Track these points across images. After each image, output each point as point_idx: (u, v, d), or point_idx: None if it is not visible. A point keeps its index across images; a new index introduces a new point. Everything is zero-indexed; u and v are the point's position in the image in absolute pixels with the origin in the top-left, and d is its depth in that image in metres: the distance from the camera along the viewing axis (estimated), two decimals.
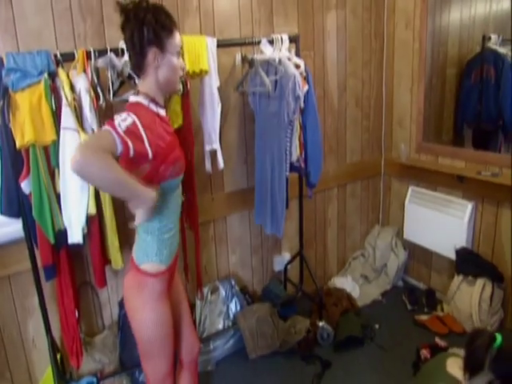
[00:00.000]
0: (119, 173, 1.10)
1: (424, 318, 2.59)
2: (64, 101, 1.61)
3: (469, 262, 2.46)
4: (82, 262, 2.11)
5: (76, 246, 1.79)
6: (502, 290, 2.38)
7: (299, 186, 2.43)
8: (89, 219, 1.76)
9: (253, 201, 2.44)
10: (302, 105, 2.04)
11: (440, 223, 2.60)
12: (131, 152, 1.13)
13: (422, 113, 2.67)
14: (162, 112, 1.34)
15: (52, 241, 1.73)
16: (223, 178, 2.40)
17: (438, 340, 2.31)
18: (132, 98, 1.31)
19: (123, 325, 2.18)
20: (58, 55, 1.66)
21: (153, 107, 1.30)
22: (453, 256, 2.54)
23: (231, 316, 2.45)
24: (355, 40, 2.66)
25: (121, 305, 2.24)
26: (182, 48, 1.34)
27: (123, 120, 1.14)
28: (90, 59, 1.69)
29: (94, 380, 2.07)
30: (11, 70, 1.57)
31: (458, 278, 2.51)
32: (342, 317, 2.52)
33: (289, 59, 2.04)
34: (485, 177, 2.32)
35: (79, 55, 1.67)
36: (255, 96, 2.23)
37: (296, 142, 2.17)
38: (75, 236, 1.73)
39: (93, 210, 1.73)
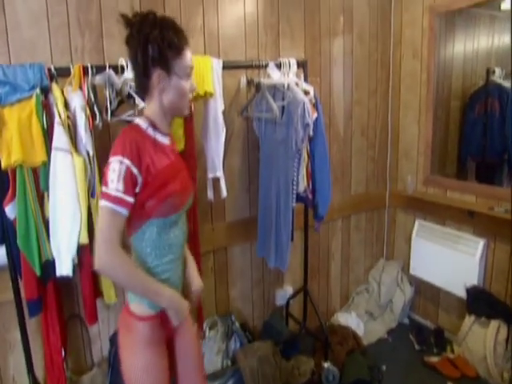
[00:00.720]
0: (132, 274, 1.11)
1: (434, 359, 2.42)
2: (57, 119, 1.48)
3: (481, 302, 2.33)
4: (72, 293, 1.93)
5: (65, 278, 1.62)
6: None
7: (304, 216, 2.31)
8: (80, 249, 1.59)
9: (255, 231, 2.30)
10: (311, 133, 1.95)
11: (449, 259, 2.48)
12: (131, 201, 1.09)
13: (429, 145, 2.61)
14: (162, 139, 1.21)
15: (38, 272, 1.57)
16: (224, 206, 2.27)
17: None
18: (135, 120, 1.20)
19: (114, 362, 2.01)
20: (53, 69, 1.55)
21: (150, 132, 1.18)
22: (463, 294, 2.41)
23: (230, 354, 2.28)
24: (362, 67, 2.62)
25: (112, 341, 2.06)
26: (192, 69, 1.20)
27: (116, 175, 1.06)
28: (87, 75, 1.58)
29: None
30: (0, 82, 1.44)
31: (469, 319, 2.36)
32: (348, 357, 2.37)
33: (297, 85, 1.96)
34: (497, 213, 2.23)
35: (75, 70, 1.56)
36: (260, 122, 2.13)
37: (303, 172, 2.06)
38: (64, 268, 1.57)
39: (85, 240, 1.57)
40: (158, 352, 1.23)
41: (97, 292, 1.78)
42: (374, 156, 2.80)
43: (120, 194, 1.06)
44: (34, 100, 1.46)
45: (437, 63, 2.56)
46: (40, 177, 1.52)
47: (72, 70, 1.56)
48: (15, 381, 1.89)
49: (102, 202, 1.07)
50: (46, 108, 1.50)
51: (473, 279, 2.37)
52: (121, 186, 1.06)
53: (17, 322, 1.71)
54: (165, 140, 1.22)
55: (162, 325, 1.24)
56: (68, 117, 1.50)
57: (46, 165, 1.50)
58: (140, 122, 1.19)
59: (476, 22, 2.61)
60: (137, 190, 1.10)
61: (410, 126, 2.74)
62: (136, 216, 1.14)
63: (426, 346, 2.57)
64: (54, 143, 1.47)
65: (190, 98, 1.23)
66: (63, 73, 1.57)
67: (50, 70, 1.54)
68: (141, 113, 1.54)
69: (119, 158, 1.06)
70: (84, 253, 1.63)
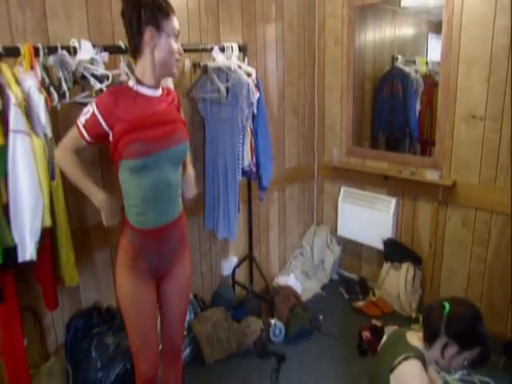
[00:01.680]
0: (72, 173, 1.42)
1: (360, 304, 2.87)
2: (13, 100, 1.45)
3: (394, 250, 2.81)
4: (23, 284, 1.87)
5: (19, 266, 1.61)
6: (420, 271, 2.76)
7: (248, 190, 2.52)
8: (42, 232, 1.59)
9: (201, 207, 2.45)
10: (255, 111, 2.14)
11: (369, 218, 2.92)
12: (88, 139, 1.37)
13: (350, 121, 2.99)
14: (149, 91, 1.39)
15: (0, 260, 1.53)
16: None
17: (374, 322, 2.59)
18: (130, 81, 1.41)
19: (71, 349, 2.03)
20: (0, 49, 1.50)
21: (134, 87, 1.37)
22: (381, 246, 2.87)
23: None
24: (291, 53, 2.87)
25: (68, 327, 2.05)
26: (179, 32, 1.38)
27: (84, 114, 1.36)
28: (38, 56, 1.57)
29: None
30: None
31: (386, 265, 2.84)
32: (291, 313, 2.66)
33: (240, 67, 2.13)
34: (404, 175, 2.69)
35: (25, 50, 1.53)
36: (206, 102, 2.27)
37: (247, 148, 2.25)
38: (28, 253, 1.55)
39: (48, 222, 1.58)
40: (141, 276, 1.46)
41: (56, 277, 1.78)
42: (303, 132, 3.11)
43: (81, 128, 1.36)
44: None
45: (354, 50, 2.91)
46: None
47: (21, 50, 1.53)
48: None
49: (74, 126, 1.38)
50: None
51: (388, 233, 2.83)
52: (84, 122, 1.35)
53: None
54: (152, 92, 1.40)
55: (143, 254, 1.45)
56: (24, 98, 1.49)
57: (4, 149, 1.46)
58: (130, 82, 1.40)
59: (382, 16, 3.02)
60: (106, 129, 1.34)
61: (333, 104, 3.09)
62: (115, 156, 1.38)
63: (353, 295, 3.00)
64: (12, 125, 1.45)
65: (178, 59, 1.39)
66: (11, 53, 1.53)
67: None
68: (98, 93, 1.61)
69: (94, 104, 1.34)
70: (44, 237, 1.62)
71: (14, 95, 1.45)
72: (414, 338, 1.47)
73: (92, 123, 1.34)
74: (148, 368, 1.54)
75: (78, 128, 1.36)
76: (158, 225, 1.44)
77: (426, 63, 2.85)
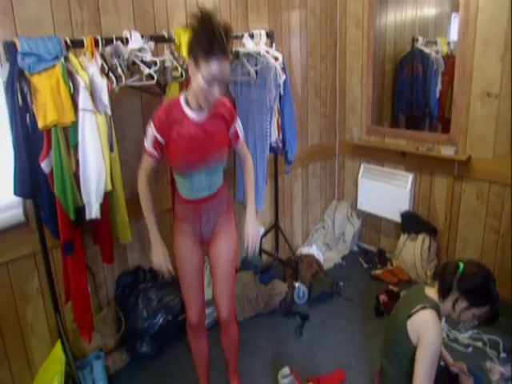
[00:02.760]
0: (144, 206, 1.70)
1: (378, 272, 3.09)
2: (82, 84, 1.72)
3: (411, 223, 3.00)
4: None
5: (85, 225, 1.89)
6: (436, 242, 2.95)
7: (275, 165, 2.77)
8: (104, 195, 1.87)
9: (233, 179, 2.71)
10: (282, 92, 2.37)
11: (387, 193, 3.11)
12: (156, 154, 1.62)
13: (370, 101, 3.17)
14: (192, 114, 1.55)
15: (72, 216, 1.79)
16: None
17: (391, 287, 2.81)
18: (181, 97, 1.58)
19: (121, 302, 2.34)
20: (68, 41, 1.76)
21: (183, 105, 1.56)
22: (398, 219, 3.07)
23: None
24: (314, 37, 3.06)
25: (118, 282, 2.37)
26: (214, 78, 1.42)
27: (146, 135, 1.59)
28: (97, 46, 1.84)
29: (102, 354, 2.15)
30: (26, 54, 1.63)
31: (403, 237, 3.04)
32: (314, 278, 2.92)
33: (267, 52, 2.36)
34: (421, 151, 2.87)
35: (88, 42, 1.80)
36: (236, 85, 2.50)
37: (275, 126, 2.49)
38: (94, 211, 1.83)
39: (110, 186, 1.86)
40: (188, 238, 1.76)
41: (112, 235, 2.06)
42: (325, 112, 3.31)
43: (148, 148, 1.60)
44: (59, 68, 1.67)
45: (374, 32, 3.07)
46: (69, 135, 1.76)
47: (85, 42, 1.81)
48: (33, 328, 2.08)
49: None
50: (69, 75, 1.73)
51: (405, 206, 3.02)
52: (148, 142, 1.59)
53: (33, 275, 1.92)
54: (194, 115, 1.56)
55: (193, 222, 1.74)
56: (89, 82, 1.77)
57: (75, 125, 1.74)
58: (181, 96, 1.58)
59: None
60: (163, 142, 1.59)
61: (354, 85, 3.27)
62: (168, 159, 1.65)
63: (372, 264, 3.23)
64: (82, 105, 1.72)
65: (209, 100, 1.47)
66: (76, 44, 1.80)
67: (66, 42, 1.74)
68: (148, 78, 1.88)
69: (152, 126, 1.56)
70: (104, 201, 1.89)
71: (82, 79, 1.72)
72: (431, 291, 1.64)
73: (154, 140, 1.58)
74: (194, 314, 1.81)
75: (146, 149, 1.60)
76: (197, 198, 1.70)
77: (448, 43, 2.93)
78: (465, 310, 1.55)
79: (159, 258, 1.71)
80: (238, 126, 1.75)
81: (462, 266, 1.56)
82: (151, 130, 1.57)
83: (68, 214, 1.81)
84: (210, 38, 1.35)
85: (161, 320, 2.31)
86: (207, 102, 1.48)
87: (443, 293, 1.59)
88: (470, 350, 2.29)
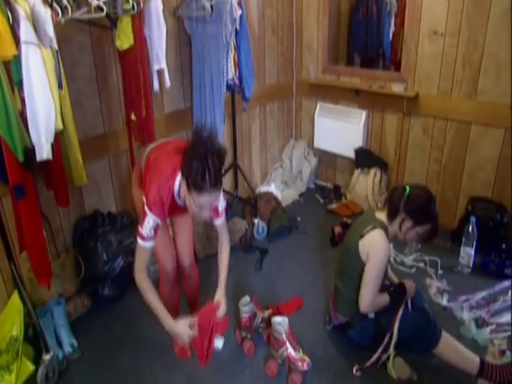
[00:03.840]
0: (150, 300, 1.63)
1: (333, 206, 3.28)
2: (23, 13, 1.56)
3: (364, 158, 3.16)
4: None
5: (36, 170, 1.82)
6: (386, 175, 3.15)
7: (232, 104, 2.75)
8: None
9: (189, 121, 2.68)
10: (238, 27, 2.31)
11: (342, 131, 3.23)
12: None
13: (326, 39, 3.16)
14: (182, 203, 1.61)
15: (21, 158, 1.69)
16: (163, 99, 2.56)
17: (345, 219, 3.01)
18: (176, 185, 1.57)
19: (80, 246, 2.32)
20: None
21: (177, 198, 1.60)
22: (352, 155, 3.21)
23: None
24: None
25: (75, 228, 2.34)
26: (203, 208, 1.49)
27: (147, 226, 1.55)
28: None
29: (62, 300, 2.12)
30: None
31: (357, 172, 3.21)
32: (272, 214, 3.04)
33: None
34: (374, 89, 2.96)
35: None
36: (191, 20, 2.40)
37: (231, 62, 2.44)
38: (45, 152, 1.72)
39: (60, 125, 1.77)
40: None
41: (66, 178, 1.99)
42: (282, 51, 3.27)
43: (148, 237, 1.57)
44: None
45: None
46: (12, 70, 1.62)
47: None
48: None
49: (138, 242, 1.59)
50: (6, 3, 1.58)
51: (358, 142, 3.16)
52: (148, 232, 1.56)
53: None
54: (182, 204, 1.61)
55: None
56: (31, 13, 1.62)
57: (18, 59, 1.61)
58: (176, 184, 1.56)
59: None
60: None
61: (310, 23, 3.23)
62: None
63: (328, 200, 3.41)
64: (23, 37, 1.57)
65: (200, 219, 1.60)
66: None
67: None
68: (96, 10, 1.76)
69: (151, 214, 1.54)
70: (55, 141, 1.79)
71: (22, 9, 1.57)
72: (381, 215, 1.81)
73: (155, 226, 1.56)
74: (169, 261, 1.86)
75: (144, 240, 1.57)
76: None
77: None
78: (410, 229, 1.73)
79: (185, 337, 1.67)
80: (219, 202, 1.71)
81: (408, 189, 1.72)
82: (152, 219, 1.55)
83: (16, 156, 1.68)
84: (204, 170, 1.38)
85: (121, 262, 2.30)
86: (198, 219, 1.63)
87: (391, 215, 1.76)
88: (413, 270, 2.55)
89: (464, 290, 2.32)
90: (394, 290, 1.87)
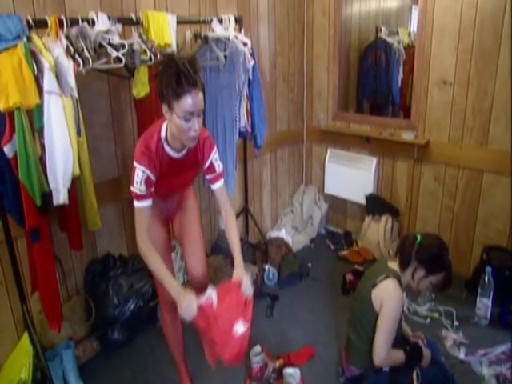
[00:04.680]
0: (154, 266, 1.52)
1: (344, 253, 3.23)
2: (47, 65, 1.66)
3: (375, 205, 3.15)
4: None
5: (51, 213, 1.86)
6: (398, 222, 3.12)
7: (244, 150, 2.81)
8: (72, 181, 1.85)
9: None
10: (251, 77, 2.40)
11: (353, 177, 3.24)
12: (153, 193, 1.53)
13: (336, 88, 3.26)
14: (172, 153, 1.55)
15: (39, 203, 1.74)
16: None
17: (357, 267, 2.94)
18: (162, 131, 1.53)
19: (91, 289, 2.32)
20: (31, 20, 1.69)
21: (164, 146, 1.53)
22: (363, 202, 3.20)
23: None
24: (282, 24, 3.10)
25: (87, 271, 2.35)
26: (191, 114, 1.40)
27: (138, 179, 1.48)
28: (62, 27, 1.79)
29: (71, 343, 2.10)
30: None
31: (368, 218, 3.19)
32: (283, 260, 3.00)
33: (236, 37, 2.37)
34: (384, 136, 3.00)
35: (52, 22, 1.74)
36: (205, 70, 2.51)
37: (243, 110, 2.52)
38: (61, 197, 1.77)
39: (77, 171, 1.83)
40: (155, 219, 1.72)
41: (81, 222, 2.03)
42: (293, 98, 3.38)
43: (142, 193, 1.50)
44: (21, 48, 1.60)
45: (340, 21, 3.15)
46: (34, 118, 1.70)
47: (49, 22, 1.75)
48: None
49: (135, 202, 1.52)
50: (32, 55, 1.68)
51: (369, 189, 3.16)
52: (142, 188, 1.50)
53: None
54: (175, 154, 1.56)
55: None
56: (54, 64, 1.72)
57: (40, 107, 1.69)
58: (162, 130, 1.52)
59: None
60: (154, 180, 1.53)
61: (321, 72, 3.35)
62: None
63: (338, 246, 3.36)
64: (46, 87, 1.67)
65: (193, 136, 1.43)
66: (39, 24, 1.74)
67: (28, 21, 1.68)
68: (115, 61, 1.85)
69: (140, 166, 1.48)
70: (72, 186, 1.84)
71: (47, 61, 1.67)
72: (393, 264, 1.79)
73: (146, 179, 1.49)
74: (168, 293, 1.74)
75: (139, 197, 1.50)
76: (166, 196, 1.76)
77: (409, 34, 3.05)
78: (423, 278, 1.70)
79: (191, 311, 1.48)
80: (215, 159, 1.67)
81: (419, 237, 1.71)
82: (141, 170, 1.48)
83: (34, 200, 1.74)
84: (177, 75, 1.34)
85: (132, 306, 2.30)
86: (191, 139, 1.46)
87: (403, 264, 1.73)
88: (427, 320, 2.46)
89: (482, 342, 2.23)
90: (410, 349, 1.80)
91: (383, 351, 1.69)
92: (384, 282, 1.70)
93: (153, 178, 1.52)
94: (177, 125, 1.41)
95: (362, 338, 1.80)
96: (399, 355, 1.76)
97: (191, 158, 1.64)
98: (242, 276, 1.56)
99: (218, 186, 1.70)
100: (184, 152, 1.59)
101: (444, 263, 1.69)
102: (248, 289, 1.55)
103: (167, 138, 1.53)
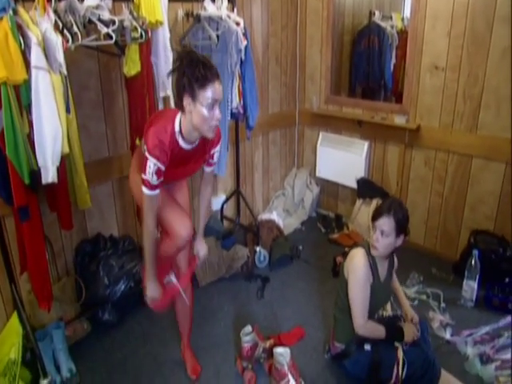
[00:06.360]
0: (147, 245, 1.66)
1: (335, 236, 3.26)
2: (34, 40, 1.61)
3: (366, 188, 3.17)
4: None
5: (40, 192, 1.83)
6: None
7: (236, 131, 2.79)
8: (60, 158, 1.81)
9: None
10: (243, 57, 2.37)
11: (344, 160, 3.25)
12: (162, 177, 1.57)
13: (329, 70, 3.24)
14: (186, 145, 1.60)
15: (27, 181, 1.71)
16: None
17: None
18: (176, 124, 1.56)
19: (81, 270, 2.32)
20: None
21: (177, 137, 1.57)
22: (354, 185, 3.22)
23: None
24: (275, 5, 3.06)
25: (77, 251, 2.34)
26: (215, 101, 1.47)
27: (150, 171, 1.53)
28: (50, 1, 1.73)
29: (62, 324, 2.10)
30: None
31: (358, 202, 3.21)
32: (274, 242, 3.03)
33: (229, 17, 2.33)
34: (376, 120, 3.00)
35: None
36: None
37: (236, 91, 2.50)
38: (50, 175, 1.75)
39: (66, 149, 1.80)
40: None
41: (70, 200, 2.01)
42: (285, 81, 3.35)
43: (155, 184, 1.55)
44: (7, 21, 1.54)
45: (334, 3, 3.11)
46: (21, 94, 1.66)
47: None
48: None
49: (144, 190, 1.57)
50: (19, 29, 1.63)
51: (360, 173, 3.18)
52: (154, 179, 1.54)
53: None
54: (188, 146, 1.61)
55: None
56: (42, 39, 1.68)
57: (27, 83, 1.65)
58: (176, 124, 1.56)
59: None
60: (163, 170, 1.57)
61: (314, 55, 3.32)
62: None
63: (329, 229, 3.39)
64: (34, 62, 1.62)
65: (214, 124, 1.51)
66: None
67: None
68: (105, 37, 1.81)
69: (154, 159, 1.51)
70: (61, 165, 1.81)
71: (35, 36, 1.63)
72: None
73: (158, 171, 1.54)
74: (184, 229, 1.69)
75: (152, 187, 1.55)
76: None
77: (402, 19, 3.04)
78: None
79: (155, 293, 1.75)
80: (217, 150, 1.78)
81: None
82: (152, 163, 1.52)
83: (22, 178, 1.71)
84: (203, 66, 1.43)
85: (122, 287, 2.30)
86: (213, 128, 1.53)
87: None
88: (415, 302, 2.50)
89: (467, 324, 2.28)
90: (392, 329, 1.85)
91: (360, 320, 1.77)
92: (351, 251, 1.82)
93: (163, 169, 1.57)
94: (200, 114, 1.47)
95: (341, 309, 1.88)
96: (379, 329, 1.82)
97: (200, 150, 1.70)
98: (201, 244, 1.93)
99: (211, 169, 1.85)
100: (195, 144, 1.64)
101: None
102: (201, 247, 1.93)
103: (181, 130, 1.57)
